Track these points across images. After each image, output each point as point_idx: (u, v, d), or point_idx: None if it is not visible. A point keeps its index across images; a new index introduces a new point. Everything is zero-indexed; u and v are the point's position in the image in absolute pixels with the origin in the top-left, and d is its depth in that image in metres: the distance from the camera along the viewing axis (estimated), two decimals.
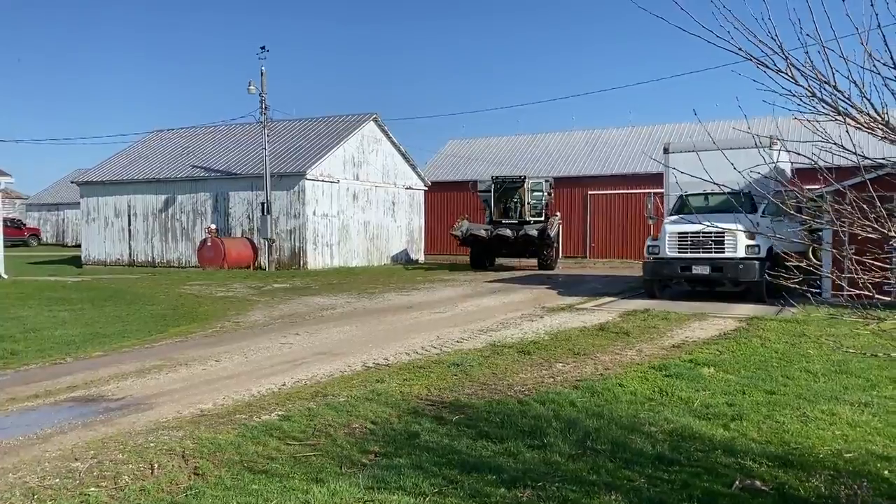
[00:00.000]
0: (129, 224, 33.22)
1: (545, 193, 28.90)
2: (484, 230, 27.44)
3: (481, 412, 6.65)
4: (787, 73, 3.13)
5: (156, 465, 5.32)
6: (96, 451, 5.66)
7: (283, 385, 8.02)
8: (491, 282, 22.38)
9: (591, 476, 5.05)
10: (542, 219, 28.05)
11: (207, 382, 8.26)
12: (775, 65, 3.17)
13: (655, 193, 20.34)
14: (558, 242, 29.64)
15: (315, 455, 5.52)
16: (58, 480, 5.08)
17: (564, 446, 5.64)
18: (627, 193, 36.38)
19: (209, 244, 28.11)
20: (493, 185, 28.39)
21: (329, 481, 4.95)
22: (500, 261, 30.46)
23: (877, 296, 3.25)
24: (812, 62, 3.06)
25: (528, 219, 27.79)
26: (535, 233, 26.33)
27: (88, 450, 5.70)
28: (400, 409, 6.79)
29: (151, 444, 5.77)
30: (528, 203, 28.09)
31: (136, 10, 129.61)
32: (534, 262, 28.60)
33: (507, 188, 28.30)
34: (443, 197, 39.66)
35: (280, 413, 6.71)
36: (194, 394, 7.68)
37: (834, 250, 4.12)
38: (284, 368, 9.01)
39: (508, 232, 26.65)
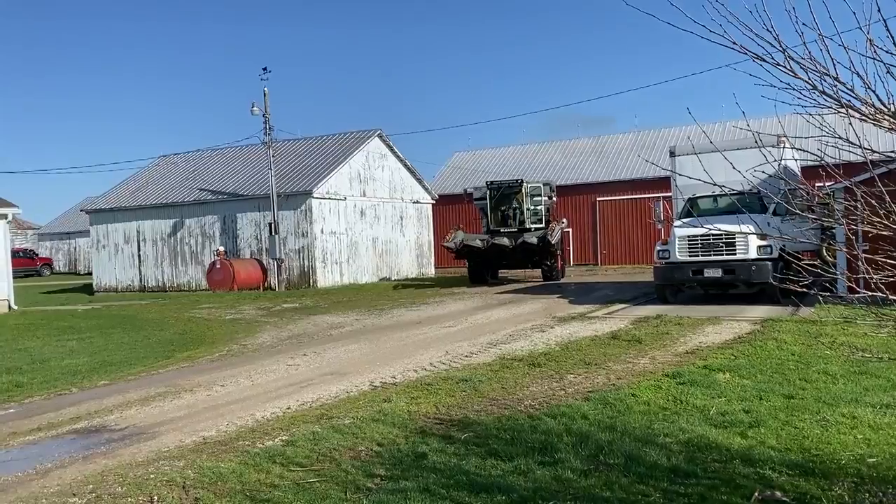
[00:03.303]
0: (139, 250, 33.31)
1: (545, 198, 26.93)
2: (480, 240, 25.33)
3: (490, 429, 6.48)
4: (785, 67, 2.98)
5: (155, 498, 5.19)
6: (95, 484, 5.53)
7: (288, 408, 7.87)
8: (500, 293, 22.21)
9: (605, 492, 4.87)
10: (544, 225, 26.17)
11: (212, 408, 8.13)
12: (773, 58, 3.02)
13: (664, 197, 20.17)
14: (563, 250, 27.80)
15: (319, 481, 5.37)
16: None
17: (576, 462, 5.46)
18: (636, 199, 36.17)
19: (218, 266, 28.11)
20: (488, 192, 26.46)
21: None
22: (504, 273, 28.74)
23: (891, 296, 3.07)
24: (811, 53, 2.91)
25: (528, 226, 25.83)
26: (534, 240, 24.35)
27: (87, 484, 5.56)
28: (407, 430, 6.63)
29: (152, 476, 5.63)
30: (528, 209, 26.15)
31: (139, 37, 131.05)
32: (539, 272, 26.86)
33: (504, 194, 26.28)
34: (451, 210, 39.56)
35: (284, 438, 6.56)
36: (198, 421, 7.55)
37: (845, 249, 3.96)
38: (290, 391, 8.87)
39: (506, 241, 24.65)
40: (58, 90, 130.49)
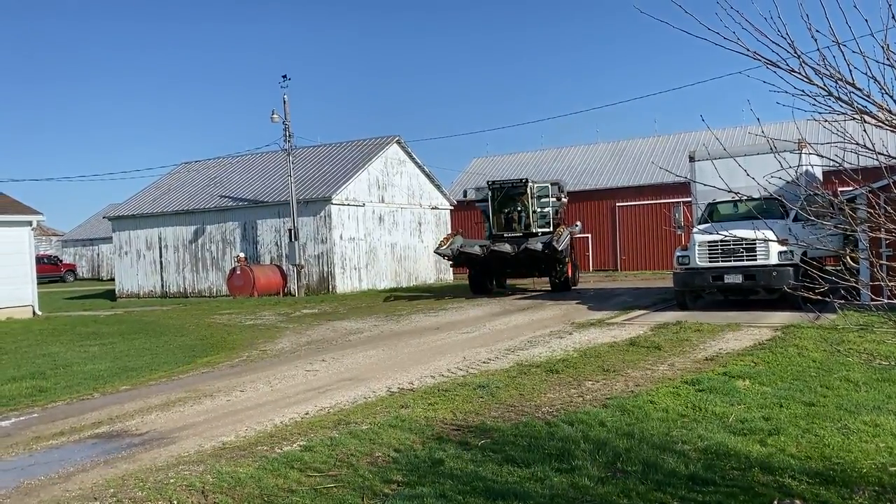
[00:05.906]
0: (161, 256, 33.66)
1: (553, 199, 24.57)
2: (479, 246, 23.07)
3: (507, 436, 6.48)
4: (799, 73, 2.97)
5: (175, 502, 5.25)
6: (116, 489, 5.60)
7: (307, 414, 7.92)
8: (518, 299, 22.16)
9: (622, 500, 4.86)
10: (551, 230, 23.73)
11: (231, 414, 8.20)
12: (787, 64, 3.01)
13: (684, 202, 20.03)
14: (575, 256, 25.76)
15: (336, 486, 5.40)
16: None
17: (593, 469, 5.45)
18: (656, 203, 35.96)
19: (238, 272, 28.35)
20: (490, 193, 24.06)
21: None
22: (511, 282, 26.96)
23: None
24: (825, 59, 2.90)
25: (535, 230, 23.57)
26: (539, 246, 21.86)
27: (108, 488, 5.64)
28: (424, 436, 6.65)
29: (171, 480, 5.70)
30: (535, 211, 23.76)
31: (159, 43, 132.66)
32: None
33: (508, 195, 23.95)
34: (469, 215, 39.52)
35: (302, 443, 6.60)
36: (217, 426, 7.62)
37: (863, 256, 3.92)
38: (309, 396, 8.92)
39: (508, 247, 22.41)
40: (80, 97, 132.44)
